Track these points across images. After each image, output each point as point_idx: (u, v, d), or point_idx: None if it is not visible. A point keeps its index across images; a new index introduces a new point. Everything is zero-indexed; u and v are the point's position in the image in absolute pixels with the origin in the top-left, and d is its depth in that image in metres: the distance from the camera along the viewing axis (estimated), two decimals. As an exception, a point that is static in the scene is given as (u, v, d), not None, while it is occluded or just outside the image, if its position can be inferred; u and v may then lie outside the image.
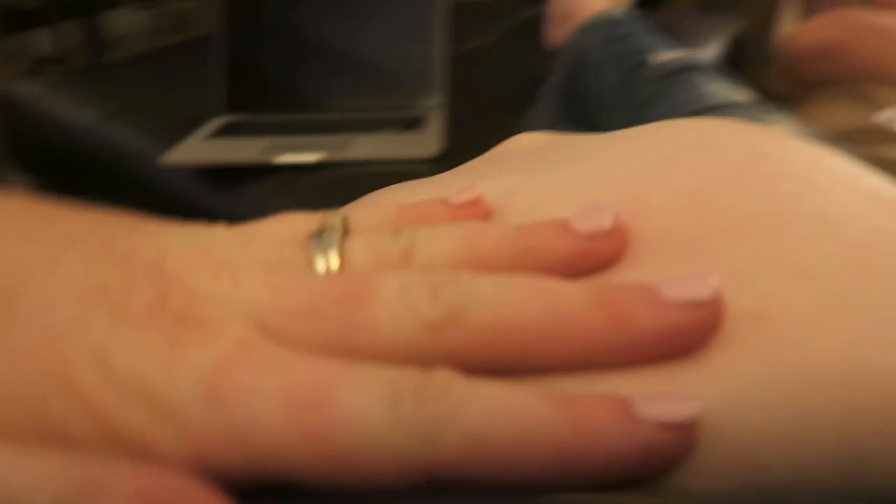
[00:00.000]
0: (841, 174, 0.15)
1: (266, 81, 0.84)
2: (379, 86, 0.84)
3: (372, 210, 0.15)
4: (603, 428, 0.10)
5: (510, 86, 0.93)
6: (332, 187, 0.69)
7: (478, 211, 0.15)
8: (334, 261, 0.13)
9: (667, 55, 0.64)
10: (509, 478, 0.10)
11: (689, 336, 0.11)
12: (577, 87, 0.74)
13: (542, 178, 0.16)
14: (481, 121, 0.82)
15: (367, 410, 0.10)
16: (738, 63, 0.99)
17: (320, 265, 0.13)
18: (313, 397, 0.10)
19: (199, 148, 0.75)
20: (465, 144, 0.49)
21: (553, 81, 0.82)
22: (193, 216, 0.15)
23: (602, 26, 0.74)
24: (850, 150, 0.70)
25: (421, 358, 0.11)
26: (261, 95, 0.84)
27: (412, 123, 0.79)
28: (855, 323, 0.11)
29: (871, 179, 0.16)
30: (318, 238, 0.14)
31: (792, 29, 1.00)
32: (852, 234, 0.13)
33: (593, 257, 0.13)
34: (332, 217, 0.15)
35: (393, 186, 0.18)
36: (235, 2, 0.83)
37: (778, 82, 1.01)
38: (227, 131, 0.79)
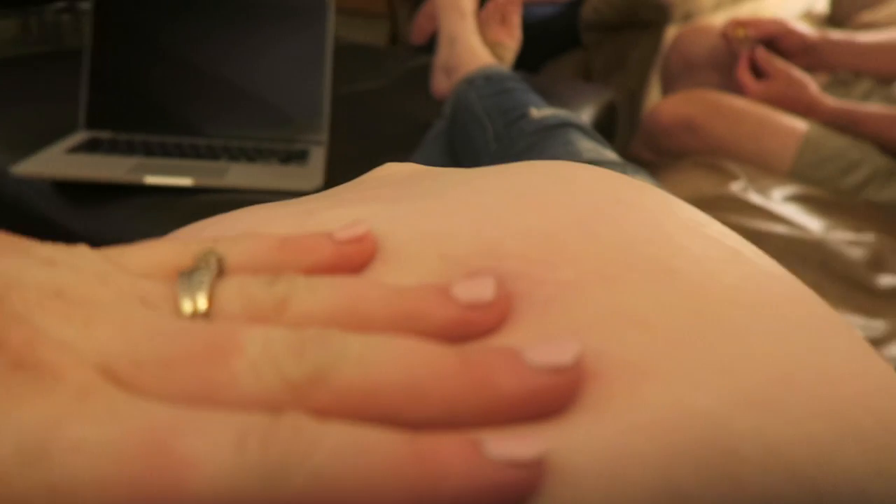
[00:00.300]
0: (688, 222, 0.16)
1: (137, 101, 0.80)
2: (262, 118, 0.82)
3: (251, 243, 0.15)
4: (452, 466, 0.10)
5: (396, 129, 0.94)
6: (202, 213, 0.66)
7: (363, 248, 0.14)
8: (202, 304, 0.13)
9: (547, 111, 0.68)
10: None
11: (550, 399, 0.11)
12: (459, 136, 0.76)
13: (399, 208, 0.16)
14: (365, 160, 0.82)
15: (211, 457, 0.10)
16: (607, 130, 1.06)
17: (186, 307, 0.13)
18: (154, 445, 0.10)
19: (56, 161, 0.70)
20: (346, 181, 0.49)
21: (438, 128, 0.84)
22: (52, 235, 0.14)
23: (485, 80, 0.77)
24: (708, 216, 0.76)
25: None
26: (131, 114, 0.80)
27: (294, 157, 0.78)
28: (680, 369, 0.12)
29: (715, 227, 0.17)
30: (189, 277, 0.13)
31: (655, 102, 1.09)
32: (690, 281, 0.14)
33: (472, 326, 0.13)
34: (207, 253, 0.14)
35: (256, 206, 0.17)
36: (106, 17, 0.79)
37: (642, 150, 1.09)
38: (89, 147, 0.74)
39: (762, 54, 1.01)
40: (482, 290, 0.13)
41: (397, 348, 0.12)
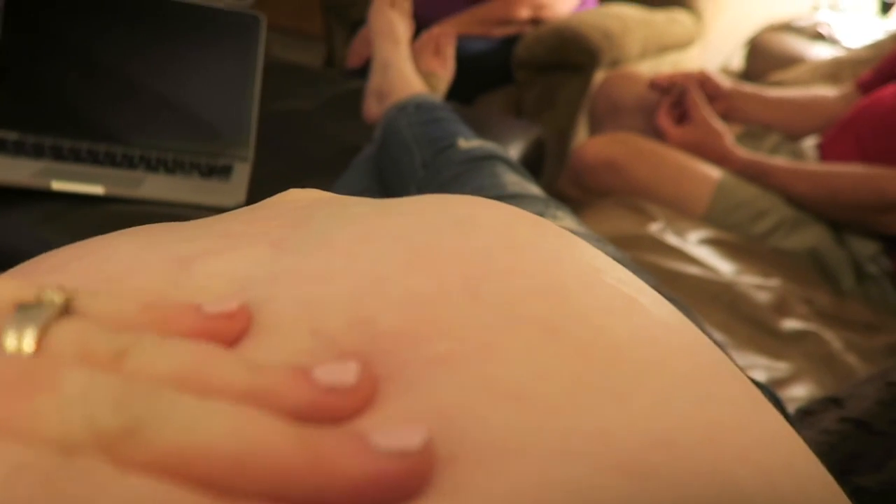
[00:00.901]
0: (585, 267, 0.16)
1: (49, 102, 0.76)
2: (185, 129, 0.79)
3: (110, 300, 0.13)
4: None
5: (325, 150, 0.93)
6: (113, 224, 0.63)
7: (233, 325, 0.13)
8: (28, 343, 0.12)
9: (475, 142, 0.69)
10: None
11: (395, 484, 0.11)
12: (387, 161, 0.76)
13: (281, 263, 0.15)
14: (290, 178, 0.81)
15: None
16: (535, 166, 1.08)
17: (10, 343, 0.12)
18: None
19: (-47, 160, 0.65)
20: (268, 197, 0.48)
21: (366, 154, 0.84)
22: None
23: (416, 108, 0.78)
24: (626, 254, 0.79)
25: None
26: (41, 116, 0.75)
27: (217, 171, 0.75)
28: (552, 440, 0.11)
29: (615, 274, 0.17)
30: (24, 312, 0.12)
31: (581, 142, 1.13)
32: (574, 341, 0.13)
33: (329, 411, 0.12)
34: (55, 293, 0.13)
35: (126, 238, 0.16)
36: (19, 13, 0.76)
37: (568, 187, 1.11)
38: (-7, 147, 0.70)
39: (693, 99, 1.05)
40: (344, 374, 0.12)
41: (233, 416, 0.11)
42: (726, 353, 0.49)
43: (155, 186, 0.68)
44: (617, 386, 0.13)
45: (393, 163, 0.75)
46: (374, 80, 0.90)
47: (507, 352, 0.13)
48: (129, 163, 0.72)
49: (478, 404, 0.12)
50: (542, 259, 0.16)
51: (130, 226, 0.18)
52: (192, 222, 0.18)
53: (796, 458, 0.14)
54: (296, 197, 0.20)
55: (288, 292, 0.14)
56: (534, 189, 0.63)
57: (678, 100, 1.10)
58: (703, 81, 1.10)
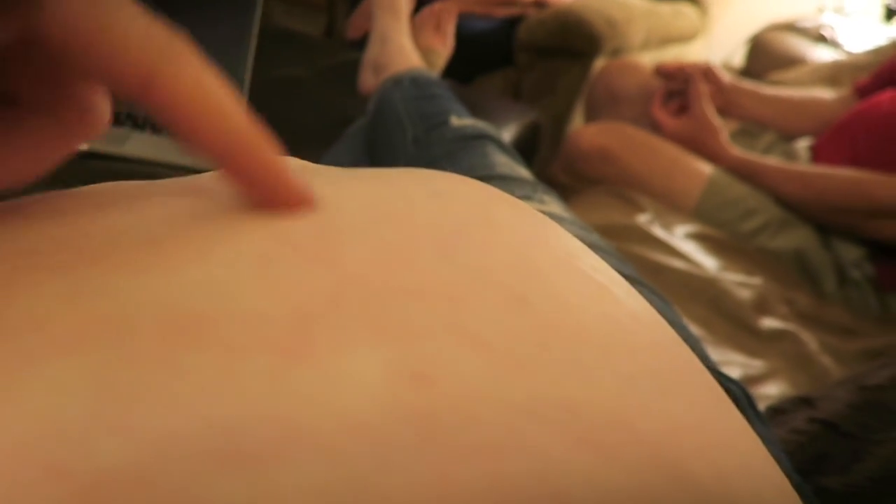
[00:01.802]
0: (558, 251, 0.16)
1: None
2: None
3: None
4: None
5: (317, 120, 0.92)
6: (91, 181, 0.62)
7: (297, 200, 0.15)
8: None
9: (467, 121, 0.68)
10: None
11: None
12: (379, 134, 0.75)
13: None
14: (279, 147, 0.80)
15: None
16: (528, 150, 1.07)
17: None
18: None
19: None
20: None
21: (359, 125, 0.83)
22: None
23: (412, 82, 0.77)
24: (613, 244, 0.79)
25: None
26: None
27: (204, 134, 0.74)
28: (514, 398, 0.11)
29: (588, 261, 0.16)
30: None
31: (577, 129, 1.12)
32: (541, 313, 0.13)
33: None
34: None
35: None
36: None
37: (560, 173, 1.11)
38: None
39: (696, 92, 1.05)
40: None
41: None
42: (702, 348, 0.49)
43: (139, 145, 0.67)
44: (582, 361, 0.12)
45: (384, 137, 0.74)
46: (372, 52, 0.89)
47: (473, 305, 0.13)
48: (114, 119, 0.71)
49: (447, 343, 0.12)
50: (517, 238, 0.15)
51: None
52: (163, 180, 0.17)
53: (753, 459, 0.14)
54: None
55: (250, 215, 0.14)
56: (523, 172, 0.62)
57: (678, 90, 1.10)
58: (708, 74, 1.10)
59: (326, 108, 0.96)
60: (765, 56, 1.81)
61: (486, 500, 0.10)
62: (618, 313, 0.15)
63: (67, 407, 0.09)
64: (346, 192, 0.15)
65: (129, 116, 0.73)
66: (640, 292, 0.17)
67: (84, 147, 0.64)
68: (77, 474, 0.08)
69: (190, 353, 0.10)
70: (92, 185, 0.16)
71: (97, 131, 0.15)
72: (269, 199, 0.14)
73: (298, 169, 0.19)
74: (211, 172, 0.17)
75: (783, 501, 0.13)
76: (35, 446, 0.09)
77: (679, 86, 1.10)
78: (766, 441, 0.40)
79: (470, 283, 0.13)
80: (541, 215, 0.18)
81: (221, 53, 0.79)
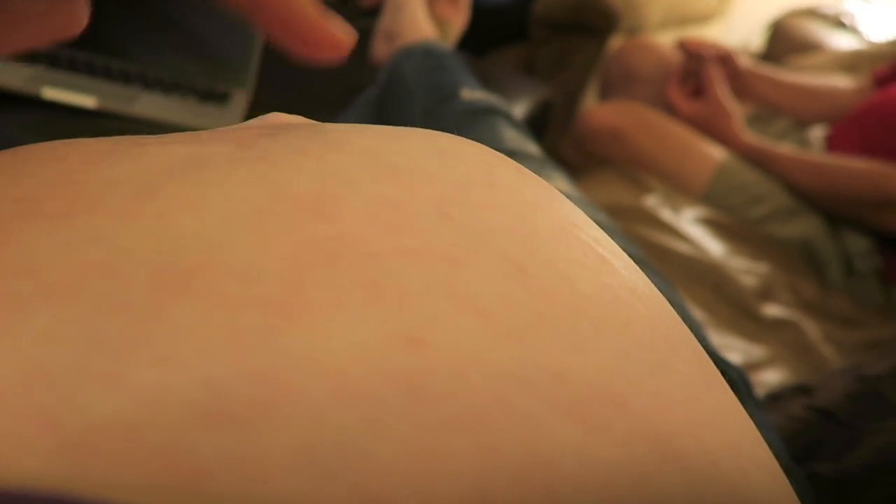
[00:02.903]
0: (561, 221, 0.16)
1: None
2: (187, 51, 0.78)
3: None
4: None
5: (327, 88, 0.92)
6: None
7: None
8: None
9: (478, 94, 0.67)
10: None
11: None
12: (388, 105, 0.75)
13: (240, 152, 0.14)
14: (288, 112, 0.80)
15: None
16: (539, 126, 1.07)
17: None
18: None
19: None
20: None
21: (369, 95, 0.82)
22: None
23: (424, 53, 0.76)
24: (618, 224, 0.78)
25: None
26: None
27: (214, 97, 0.74)
28: (504, 365, 0.11)
29: (591, 232, 0.16)
30: None
31: (589, 107, 1.11)
32: (539, 281, 0.13)
33: None
34: None
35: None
36: None
37: (570, 152, 1.10)
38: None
39: (710, 74, 1.04)
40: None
41: None
42: (703, 332, 0.49)
43: (149, 105, 0.67)
44: (576, 334, 0.12)
45: (394, 107, 0.73)
46: (385, 21, 0.88)
47: (472, 269, 0.12)
48: (125, 78, 0.71)
49: (443, 307, 0.11)
50: (519, 202, 0.15)
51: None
52: (163, 134, 0.17)
53: (741, 438, 0.13)
54: (277, 119, 0.20)
55: (248, 167, 0.14)
56: (532, 148, 0.62)
57: (694, 71, 1.08)
58: (725, 58, 1.08)
59: (337, 76, 0.95)
60: (784, 40, 1.78)
61: (473, 466, 0.10)
62: (616, 286, 0.14)
63: (58, 356, 0.09)
64: (348, 145, 0.15)
65: (140, 76, 0.72)
66: (644, 273, 0.17)
67: (92, 105, 0.64)
68: (66, 425, 0.08)
69: (180, 304, 0.10)
70: (92, 138, 0.16)
71: (76, 27, 0.17)
72: (302, 41, 0.15)
73: (307, 123, 0.19)
74: (211, 129, 0.17)
75: (770, 482, 0.13)
76: (24, 395, 0.09)
77: (696, 66, 1.08)
78: (762, 425, 0.40)
79: (469, 245, 0.13)
80: (545, 183, 0.18)
81: (234, 18, 0.79)
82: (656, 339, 0.14)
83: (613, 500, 0.10)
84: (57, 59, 0.70)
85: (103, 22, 0.76)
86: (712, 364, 0.16)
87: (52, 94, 0.63)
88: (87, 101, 0.64)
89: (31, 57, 0.69)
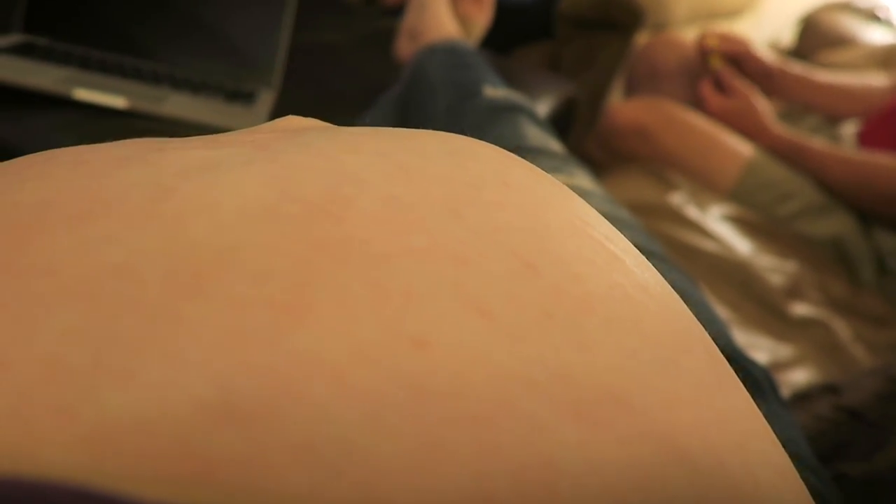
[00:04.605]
0: (573, 219, 0.16)
1: (82, 10, 0.76)
2: (214, 51, 0.79)
3: None
4: None
5: (352, 86, 0.92)
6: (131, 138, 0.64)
7: None
8: None
9: (501, 91, 0.67)
10: None
11: None
12: (412, 102, 0.75)
13: (257, 154, 0.15)
14: (314, 111, 0.80)
15: None
16: (563, 124, 1.06)
17: None
18: None
19: (-18, 59, 0.65)
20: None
21: (393, 93, 0.82)
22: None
23: (447, 51, 0.76)
24: (643, 222, 0.77)
25: None
26: (74, 23, 0.75)
27: (241, 97, 0.75)
28: (509, 365, 0.11)
29: (603, 230, 0.16)
30: None
31: (614, 104, 1.10)
32: (548, 280, 0.13)
33: None
34: None
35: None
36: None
37: (595, 149, 1.10)
38: (21, 51, 0.70)
39: (728, 71, 1.03)
40: None
41: None
42: (727, 331, 0.48)
43: (177, 105, 0.68)
44: (583, 332, 0.12)
45: (417, 105, 0.74)
46: (409, 19, 0.88)
47: (481, 269, 0.12)
48: (154, 78, 0.72)
49: (450, 308, 0.12)
50: (531, 201, 0.15)
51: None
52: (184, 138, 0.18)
53: (751, 438, 0.13)
54: (293, 122, 0.20)
55: (260, 168, 0.14)
56: (554, 145, 0.61)
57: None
58: (748, 57, 1.06)
59: (362, 75, 0.96)
60: (816, 35, 1.75)
61: (475, 466, 0.10)
62: (627, 284, 0.14)
63: (77, 353, 0.09)
64: (361, 147, 0.15)
65: (169, 77, 0.74)
66: (666, 271, 0.17)
67: (122, 105, 0.66)
68: (84, 420, 0.09)
69: (192, 304, 0.10)
70: (117, 141, 0.16)
71: None
72: None
73: (323, 125, 0.19)
74: (229, 132, 0.18)
75: (781, 482, 0.13)
76: (45, 390, 0.09)
77: (720, 62, 1.07)
78: (786, 425, 0.40)
79: (478, 244, 0.13)
80: (558, 182, 0.18)
81: (260, 19, 0.80)
82: (666, 337, 0.14)
83: (616, 500, 0.10)
84: (88, 60, 0.72)
85: (133, 25, 0.77)
86: (726, 363, 0.16)
87: (83, 94, 0.65)
88: (117, 101, 0.66)
89: (63, 59, 0.71)
